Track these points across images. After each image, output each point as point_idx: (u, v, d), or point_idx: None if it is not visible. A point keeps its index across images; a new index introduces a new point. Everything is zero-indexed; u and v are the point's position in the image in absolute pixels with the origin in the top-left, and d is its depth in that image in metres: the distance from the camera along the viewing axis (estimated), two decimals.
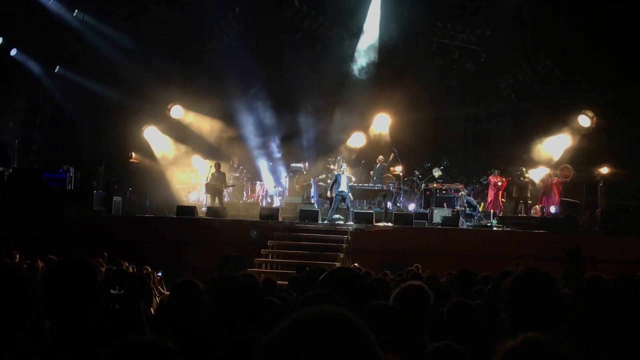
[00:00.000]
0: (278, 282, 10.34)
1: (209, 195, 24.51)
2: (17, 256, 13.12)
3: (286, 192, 26.87)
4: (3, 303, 3.04)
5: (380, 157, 26.57)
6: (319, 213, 22.87)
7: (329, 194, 24.13)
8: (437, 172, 26.30)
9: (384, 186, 25.55)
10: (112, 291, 4.23)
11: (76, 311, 3.49)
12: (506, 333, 3.83)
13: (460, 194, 24.75)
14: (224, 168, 24.98)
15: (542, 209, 24.86)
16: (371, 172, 26.56)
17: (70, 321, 3.47)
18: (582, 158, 26.78)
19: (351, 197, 23.28)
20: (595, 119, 26.69)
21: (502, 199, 25.43)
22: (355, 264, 15.24)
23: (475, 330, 5.35)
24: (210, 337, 4.44)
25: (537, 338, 2.49)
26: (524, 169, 25.27)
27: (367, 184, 25.71)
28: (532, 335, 2.51)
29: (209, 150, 28.06)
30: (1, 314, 3.04)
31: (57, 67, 28.18)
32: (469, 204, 24.35)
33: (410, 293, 4.74)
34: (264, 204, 25.79)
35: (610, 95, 25.40)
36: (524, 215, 24.35)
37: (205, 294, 4.73)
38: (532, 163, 26.61)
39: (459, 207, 24.18)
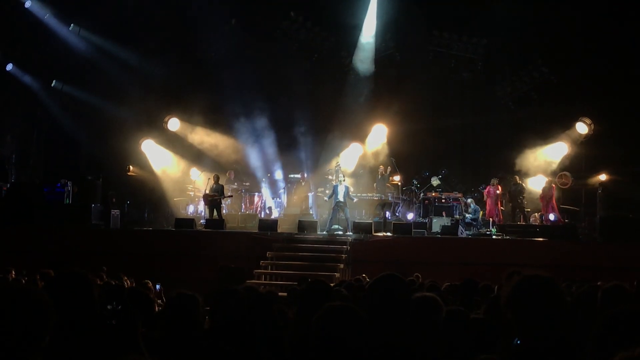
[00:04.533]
0: (279, 293, 10.29)
1: (207, 208, 24.44)
2: (13, 272, 13.06)
3: (284, 203, 26.84)
4: (20, 326, 3.00)
5: (381, 167, 26.52)
6: (318, 224, 22.82)
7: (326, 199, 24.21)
8: (435, 181, 26.26)
9: (383, 196, 25.55)
10: (108, 307, 4.18)
11: (72, 326, 3.45)
12: (509, 337, 3.82)
13: (469, 200, 24.78)
14: (221, 181, 24.92)
15: (541, 216, 24.83)
16: (374, 184, 26.41)
17: (66, 335, 3.43)
18: (580, 165, 26.77)
19: (351, 192, 23.35)
20: (592, 125, 26.67)
21: (502, 208, 25.41)
22: (364, 275, 15.09)
23: (473, 339, 5.32)
24: (208, 351, 4.39)
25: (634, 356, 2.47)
26: (516, 177, 25.24)
27: (364, 194, 25.75)
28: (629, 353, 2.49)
29: (207, 162, 28.00)
30: (18, 336, 2.99)
31: (54, 81, 28.13)
32: (474, 212, 24.35)
33: (423, 304, 4.70)
34: (262, 216, 25.77)
35: (608, 102, 25.42)
36: (523, 223, 24.30)
37: (202, 307, 4.68)
38: (531, 171, 26.58)
39: (458, 216, 24.17)
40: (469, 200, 24.90)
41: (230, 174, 26.89)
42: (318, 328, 3.72)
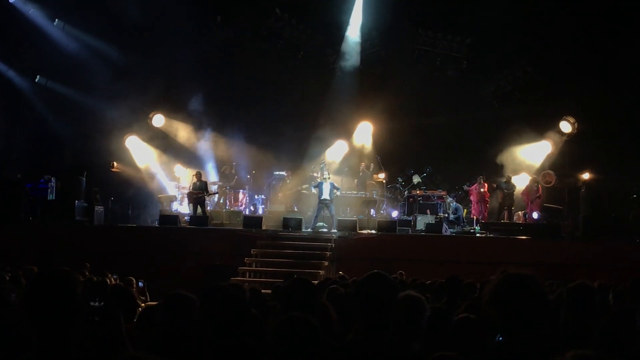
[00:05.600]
0: (262, 290, 10.29)
1: (191, 204, 24.41)
2: None
3: (269, 201, 26.80)
4: None
5: (363, 163, 26.62)
6: (303, 221, 22.82)
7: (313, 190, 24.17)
8: (416, 179, 26.29)
9: (367, 193, 25.60)
10: (92, 303, 4.17)
11: (56, 323, 3.45)
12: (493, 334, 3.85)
13: (447, 200, 24.82)
14: (214, 175, 24.86)
15: (524, 215, 24.94)
16: (355, 180, 26.54)
17: (51, 333, 3.43)
18: (564, 164, 26.90)
19: (337, 193, 23.37)
20: (576, 124, 26.83)
21: (487, 206, 25.49)
22: (340, 272, 15.17)
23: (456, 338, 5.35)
24: (198, 348, 4.40)
25: (585, 354, 2.50)
26: (510, 176, 25.35)
27: (349, 192, 25.79)
28: (581, 352, 2.51)
29: (191, 158, 27.97)
30: None
31: (38, 76, 27.95)
32: (456, 211, 24.41)
33: (408, 303, 4.71)
34: (247, 213, 25.71)
35: (591, 101, 25.56)
36: (507, 221, 24.40)
37: (197, 307, 4.67)
38: (515, 169, 26.68)
39: (442, 214, 24.23)
40: (449, 200, 24.94)
41: (226, 168, 26.86)
42: (274, 340, 3.75)
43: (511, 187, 24.98)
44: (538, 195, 25.13)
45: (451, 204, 24.64)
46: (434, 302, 7.43)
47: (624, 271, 15.23)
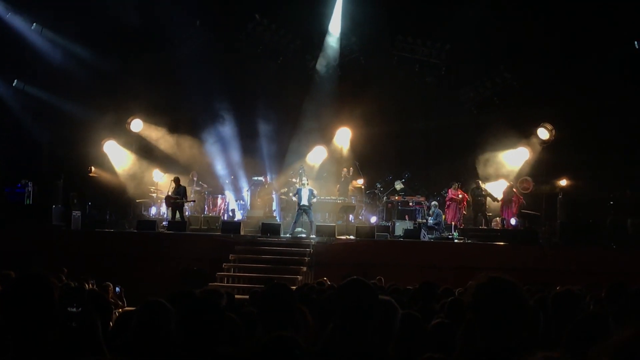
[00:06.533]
0: (239, 296, 10.27)
1: (169, 210, 24.30)
2: None
3: (248, 206, 26.76)
4: None
5: (344, 169, 26.65)
6: (281, 226, 22.81)
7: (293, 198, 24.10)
8: (398, 185, 26.39)
9: (346, 198, 25.62)
10: (69, 309, 4.14)
11: (34, 329, 3.43)
12: (470, 339, 3.86)
13: (432, 203, 24.89)
14: (183, 182, 24.73)
15: (502, 221, 25.05)
16: (338, 186, 26.54)
17: (28, 338, 3.41)
18: (541, 170, 27.03)
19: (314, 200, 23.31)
20: (554, 131, 26.98)
21: (464, 212, 25.59)
22: (324, 278, 15.13)
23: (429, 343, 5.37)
24: (173, 356, 4.38)
25: (555, 356, 2.50)
26: (479, 182, 25.46)
27: (328, 197, 25.80)
28: (551, 353, 2.52)
29: (170, 163, 27.84)
30: None
31: (15, 80, 27.76)
32: (437, 216, 24.45)
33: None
34: (225, 218, 25.66)
35: (569, 108, 25.70)
36: (485, 227, 24.49)
37: (173, 314, 4.64)
38: (493, 175, 26.79)
39: (420, 220, 24.30)
40: (433, 203, 25.01)
41: (194, 174, 26.77)
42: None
43: (480, 192, 25.07)
44: (515, 201, 25.24)
45: (432, 208, 24.66)
46: (410, 308, 7.45)
47: (600, 277, 15.34)
